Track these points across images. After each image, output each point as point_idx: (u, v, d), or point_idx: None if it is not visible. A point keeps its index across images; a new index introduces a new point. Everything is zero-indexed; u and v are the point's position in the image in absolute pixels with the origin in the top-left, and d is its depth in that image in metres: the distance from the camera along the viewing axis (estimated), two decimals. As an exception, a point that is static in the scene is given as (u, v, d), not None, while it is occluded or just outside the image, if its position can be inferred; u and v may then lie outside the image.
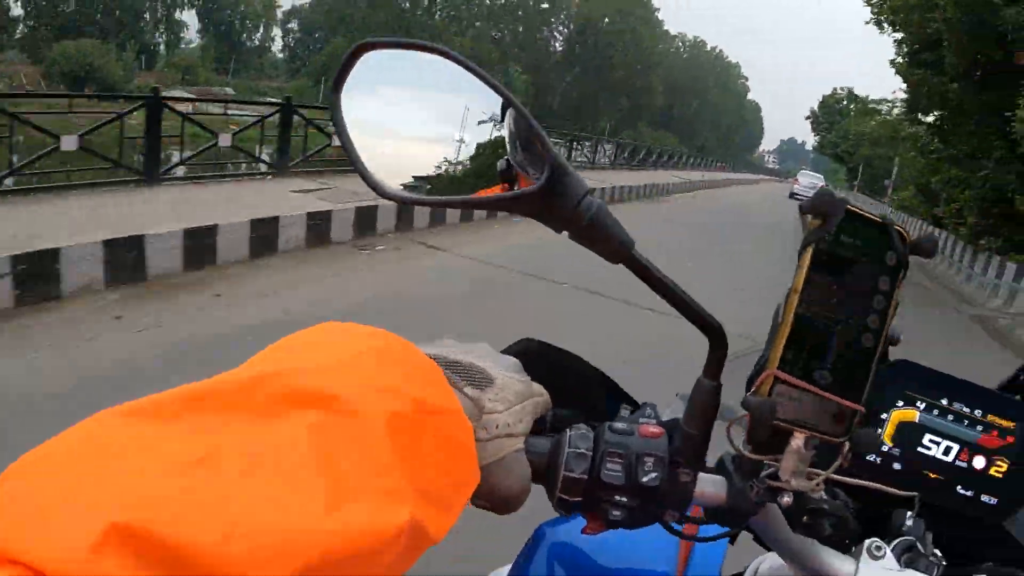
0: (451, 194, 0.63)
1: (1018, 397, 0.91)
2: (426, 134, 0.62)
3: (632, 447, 0.59)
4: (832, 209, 0.55)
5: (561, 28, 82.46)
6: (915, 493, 0.72)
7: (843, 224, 0.56)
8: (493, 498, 0.55)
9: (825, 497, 0.61)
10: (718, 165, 59.06)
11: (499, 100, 0.58)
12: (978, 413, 0.84)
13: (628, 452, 0.59)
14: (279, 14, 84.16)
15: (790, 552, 0.68)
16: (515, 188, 0.59)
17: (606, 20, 78.15)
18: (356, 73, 0.57)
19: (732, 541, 0.75)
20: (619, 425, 0.61)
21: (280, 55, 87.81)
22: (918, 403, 0.84)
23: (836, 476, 0.63)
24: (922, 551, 0.71)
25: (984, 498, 0.84)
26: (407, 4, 69.94)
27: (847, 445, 0.57)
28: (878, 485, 0.70)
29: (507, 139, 0.60)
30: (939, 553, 0.71)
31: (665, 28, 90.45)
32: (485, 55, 67.62)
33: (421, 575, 0.52)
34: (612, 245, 0.58)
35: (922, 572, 0.69)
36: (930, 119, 19.76)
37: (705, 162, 56.04)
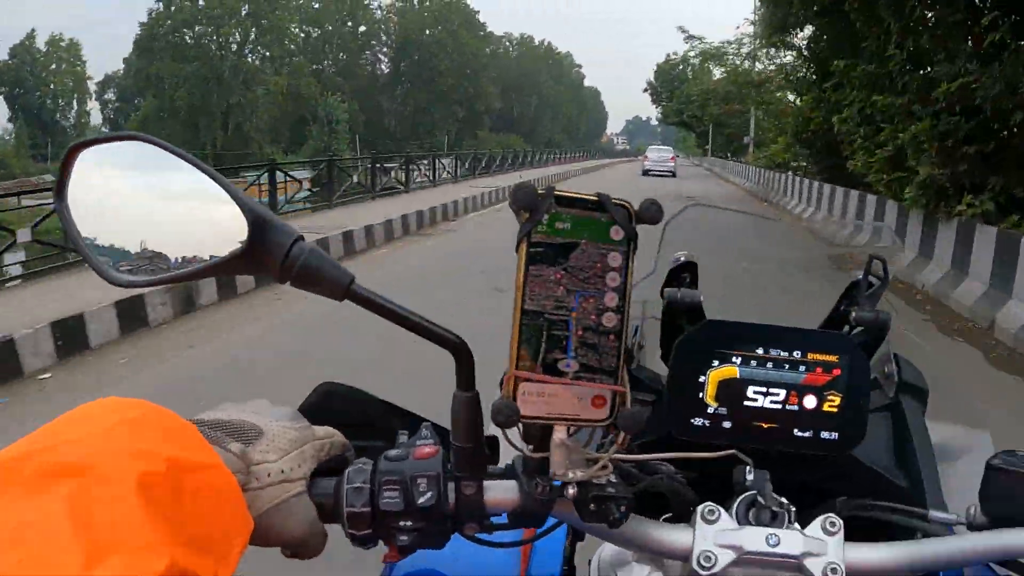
0: (177, 270, 0.62)
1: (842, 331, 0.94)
2: (147, 217, 0.62)
3: (406, 471, 0.61)
4: (534, 202, 0.55)
5: (384, 48, 79.57)
6: (732, 450, 0.73)
7: (555, 211, 0.55)
8: (283, 542, 0.60)
9: (613, 481, 0.62)
10: (568, 156, 58.72)
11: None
12: (797, 354, 0.84)
13: (403, 477, 0.61)
14: (92, 86, 78.64)
15: (621, 538, 0.69)
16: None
17: (427, 32, 75.77)
18: (76, 173, 0.59)
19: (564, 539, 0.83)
20: (394, 452, 0.63)
21: (104, 129, 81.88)
22: (734, 359, 0.84)
23: (630, 456, 0.67)
24: (763, 503, 0.72)
25: (824, 435, 0.84)
26: (215, 48, 65.46)
27: (622, 431, 0.59)
28: (691, 454, 0.72)
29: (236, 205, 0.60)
30: (784, 501, 0.73)
31: (490, 30, 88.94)
32: (305, 90, 64.15)
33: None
34: (331, 285, 0.58)
35: (765, 524, 0.70)
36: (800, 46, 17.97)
37: (558, 155, 54.35)
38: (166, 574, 0.43)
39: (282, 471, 0.59)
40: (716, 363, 0.83)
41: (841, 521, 0.70)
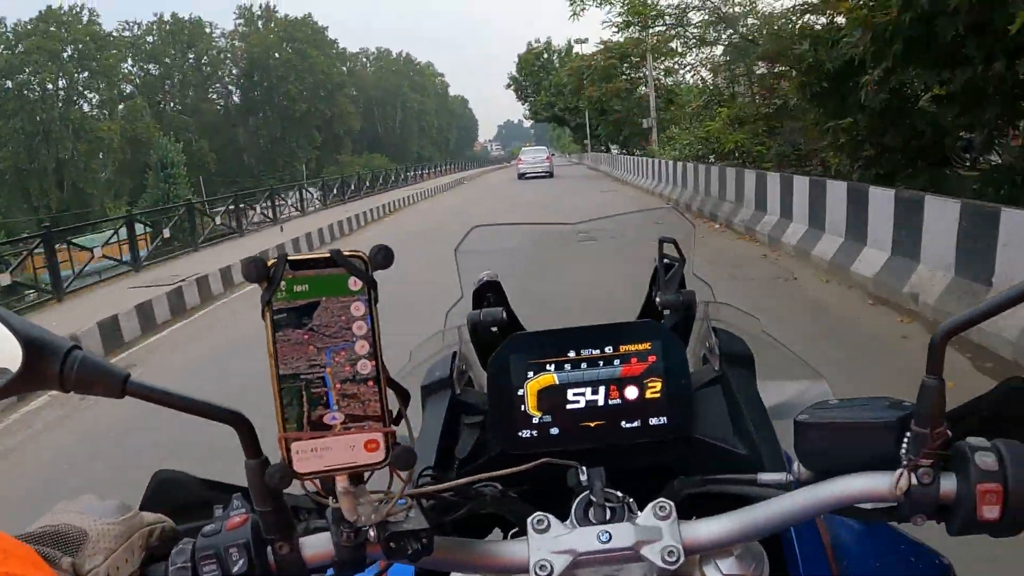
0: None
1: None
2: None
3: (219, 544, 0.65)
4: (266, 271, 0.57)
5: (232, 78, 74.68)
6: (544, 459, 0.75)
7: (291, 276, 0.58)
8: None
9: (411, 516, 0.66)
10: (439, 170, 57.90)
11: None
12: (609, 350, 0.88)
13: (217, 550, 0.65)
14: None
15: (460, 565, 0.72)
16: None
17: (275, 55, 71.36)
18: None
19: None
20: (208, 528, 0.67)
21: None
22: (548, 366, 0.88)
23: (425, 489, 0.70)
24: (595, 500, 0.75)
25: (653, 421, 0.89)
26: (37, 98, 59.37)
27: (398, 469, 0.62)
28: (499, 472, 0.74)
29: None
30: (619, 494, 0.76)
31: (343, 47, 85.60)
32: (144, 131, 58.93)
33: None
34: (108, 385, 0.60)
35: (604, 521, 0.73)
36: None
37: (428, 170, 51.84)
38: None
39: (108, 574, 0.62)
40: (531, 374, 0.88)
41: (672, 503, 0.72)
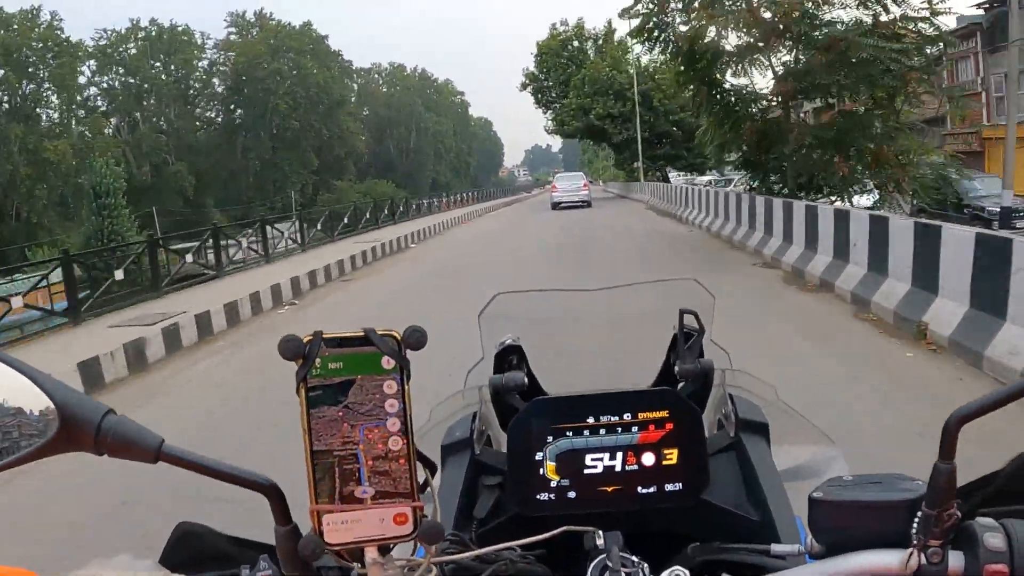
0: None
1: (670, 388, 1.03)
2: None
3: None
4: (302, 349, 0.60)
5: (217, 93, 65.32)
6: (564, 528, 0.79)
7: (326, 354, 0.61)
8: None
9: None
10: (456, 200, 47.40)
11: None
12: (628, 416, 0.91)
13: None
14: None
15: None
16: None
17: (265, 66, 61.93)
18: None
19: None
20: None
21: None
22: (567, 432, 0.91)
23: (448, 557, 0.73)
24: (611, 565, 0.78)
25: (668, 487, 0.91)
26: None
27: (425, 543, 0.65)
28: (521, 541, 0.77)
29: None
30: (635, 559, 0.80)
31: (349, 60, 76.28)
32: (102, 152, 49.29)
33: None
34: (143, 450, 0.62)
35: None
36: None
37: (444, 198, 43.97)
38: None
39: None
40: (551, 439, 0.91)
41: (687, 572, 0.76)
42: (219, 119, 66.43)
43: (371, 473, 0.61)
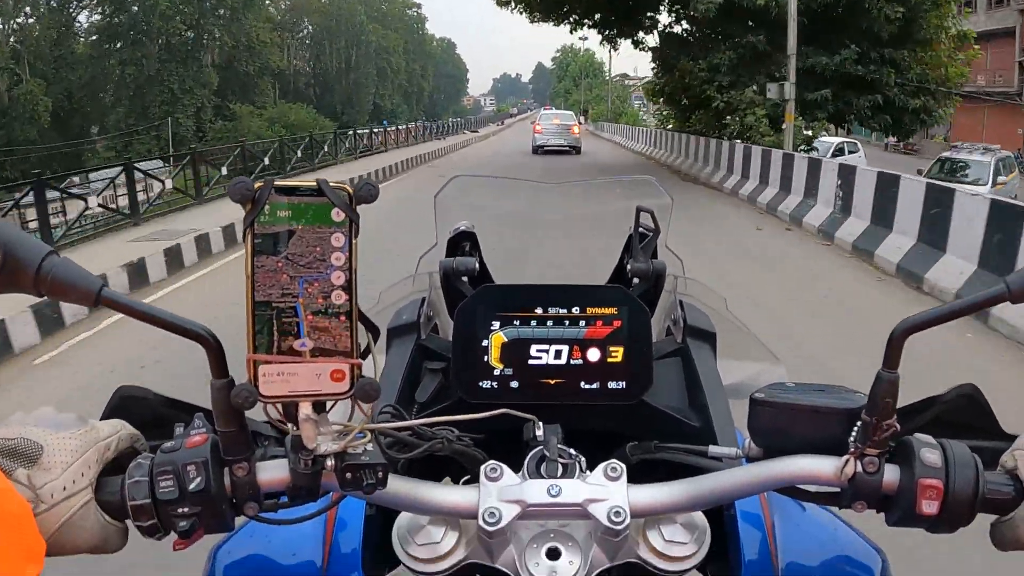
0: None
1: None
2: None
3: (177, 461, 0.67)
4: (250, 193, 0.59)
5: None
6: (503, 410, 0.79)
7: (276, 201, 0.60)
8: (79, 551, 0.66)
9: (369, 450, 0.68)
10: (403, 136, 35.25)
11: None
12: (576, 310, 0.93)
13: (175, 467, 0.67)
14: None
15: (410, 504, 0.75)
16: None
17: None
18: None
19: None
20: (168, 444, 0.69)
21: None
22: (514, 321, 0.94)
23: (385, 424, 0.73)
24: (548, 455, 0.80)
25: (612, 385, 0.95)
26: None
27: (361, 401, 0.65)
28: (459, 416, 0.79)
29: None
30: (573, 452, 0.81)
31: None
32: None
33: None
34: (84, 293, 0.63)
35: (554, 477, 0.78)
36: None
37: (385, 131, 31.84)
38: None
39: (64, 488, 0.64)
40: (497, 326, 0.93)
41: (623, 466, 0.75)
42: (97, 23, 51.64)
43: (310, 328, 0.61)
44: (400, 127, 38.48)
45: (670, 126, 26.08)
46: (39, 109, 44.37)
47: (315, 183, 0.60)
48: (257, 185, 0.60)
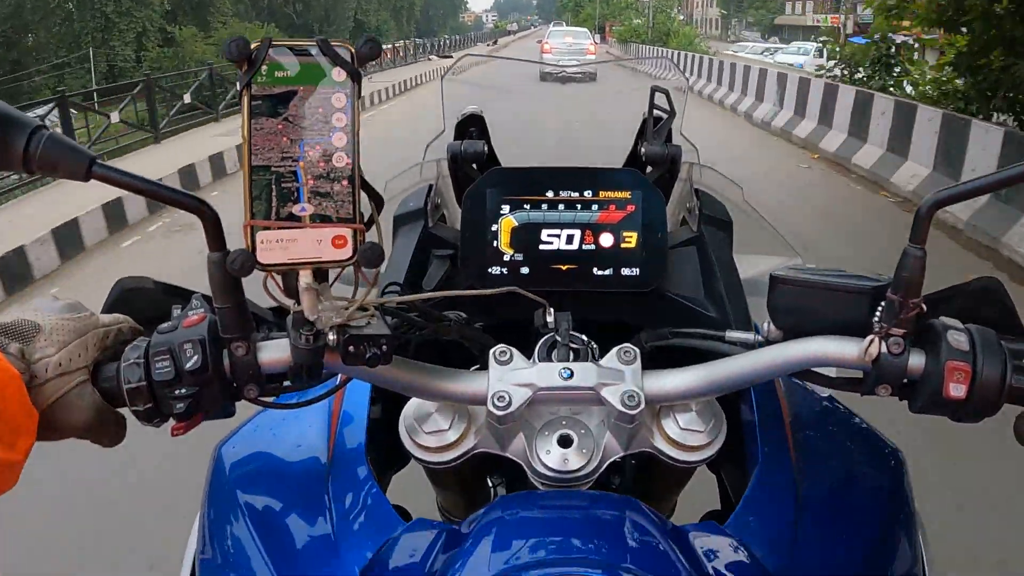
0: None
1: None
2: None
3: (174, 341, 0.66)
4: (247, 52, 0.57)
5: None
6: (512, 287, 0.77)
7: (274, 60, 0.58)
8: (73, 432, 0.66)
9: (372, 323, 0.66)
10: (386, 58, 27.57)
11: None
12: (588, 194, 0.92)
13: (171, 346, 0.65)
14: None
15: (417, 388, 0.74)
16: None
17: None
18: None
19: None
20: (165, 325, 0.68)
21: None
22: (524, 205, 0.92)
23: (394, 299, 0.72)
24: (560, 340, 0.78)
25: (625, 271, 0.93)
26: None
27: (364, 267, 0.62)
28: (466, 291, 0.77)
29: None
30: (585, 338, 0.80)
31: None
32: None
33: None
34: (73, 167, 0.60)
35: (563, 360, 0.76)
36: None
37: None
38: None
39: (60, 364, 0.64)
40: (506, 210, 0.91)
41: (637, 350, 0.74)
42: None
43: (311, 193, 0.59)
44: (386, 46, 31.09)
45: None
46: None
47: (315, 41, 0.58)
48: (254, 44, 0.57)
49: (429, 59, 30.65)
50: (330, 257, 0.60)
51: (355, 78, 0.59)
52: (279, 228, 0.59)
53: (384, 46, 30.78)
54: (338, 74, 0.58)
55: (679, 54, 23.51)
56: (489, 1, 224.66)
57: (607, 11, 72.40)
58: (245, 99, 0.57)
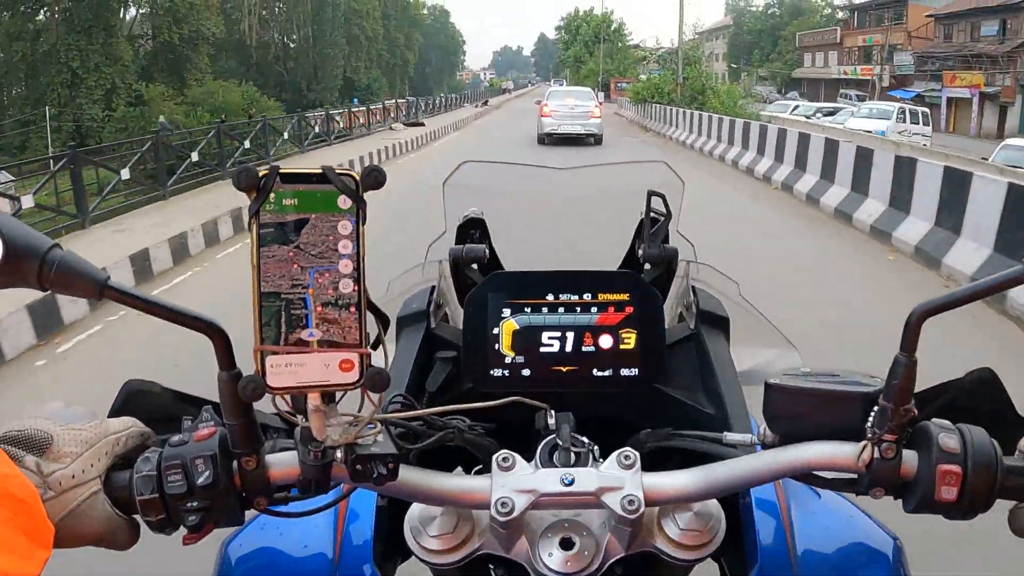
0: None
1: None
2: None
3: (186, 455, 0.67)
4: (257, 181, 0.58)
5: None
6: (514, 397, 0.79)
7: (281, 189, 0.59)
8: (87, 541, 0.67)
9: (380, 441, 0.67)
10: (369, 118, 26.62)
11: None
12: (587, 296, 0.94)
13: (183, 460, 0.67)
14: None
15: (421, 494, 0.75)
16: None
17: None
18: None
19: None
20: (176, 438, 0.69)
21: None
22: (525, 308, 0.94)
23: (396, 415, 0.75)
24: (561, 443, 0.80)
25: (624, 371, 0.95)
26: None
27: (370, 391, 0.63)
28: (470, 405, 0.79)
29: None
30: (586, 441, 0.82)
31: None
32: None
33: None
34: (88, 286, 0.62)
35: (567, 466, 0.78)
36: None
37: (345, 111, 24.25)
38: None
39: (73, 476, 0.65)
40: (508, 313, 0.94)
41: (637, 454, 0.75)
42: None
43: (319, 320, 0.60)
44: (374, 106, 29.58)
45: None
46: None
47: (320, 169, 0.59)
48: (261, 172, 0.58)
49: (392, 128, 26.86)
50: (338, 380, 0.61)
51: (360, 205, 0.60)
52: (288, 353, 0.60)
53: (371, 106, 28.41)
54: (343, 201, 0.59)
55: (718, 119, 19.61)
56: (487, 59, 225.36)
57: (611, 66, 70.22)
58: (254, 227, 0.58)
